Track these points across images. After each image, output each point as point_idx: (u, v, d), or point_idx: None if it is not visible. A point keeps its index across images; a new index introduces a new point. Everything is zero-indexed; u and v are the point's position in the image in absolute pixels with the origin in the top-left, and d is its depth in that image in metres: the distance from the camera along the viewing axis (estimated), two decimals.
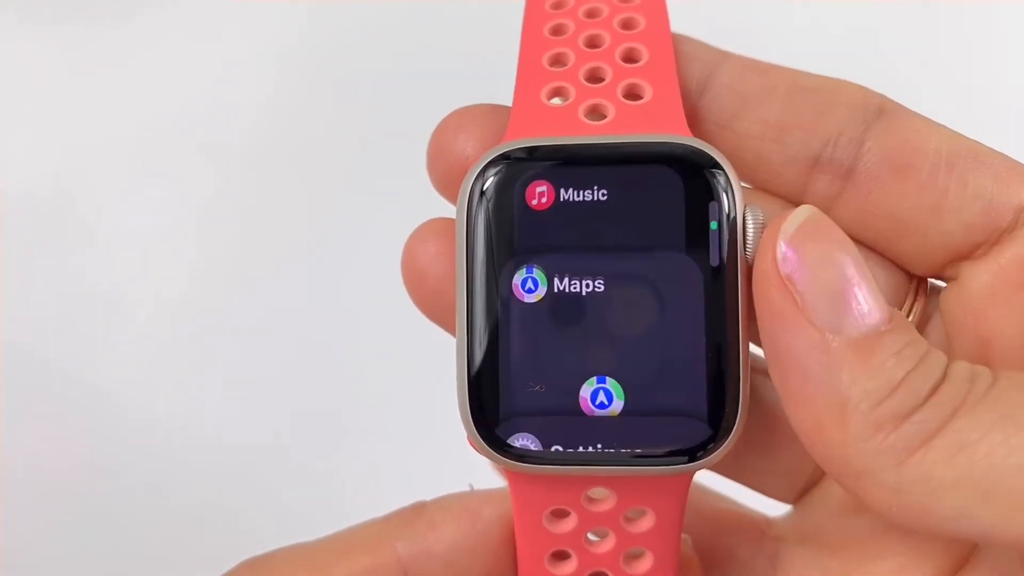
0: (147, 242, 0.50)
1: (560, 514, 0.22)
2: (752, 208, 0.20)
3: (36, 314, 0.49)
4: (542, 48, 0.22)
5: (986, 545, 0.18)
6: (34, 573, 0.46)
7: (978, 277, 0.21)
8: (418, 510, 0.22)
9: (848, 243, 0.18)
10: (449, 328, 0.22)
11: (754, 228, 0.20)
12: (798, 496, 0.24)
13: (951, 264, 0.21)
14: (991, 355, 0.21)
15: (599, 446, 0.20)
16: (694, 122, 0.22)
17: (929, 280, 0.22)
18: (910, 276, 0.22)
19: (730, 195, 0.20)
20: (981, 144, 0.21)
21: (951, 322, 0.21)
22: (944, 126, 0.21)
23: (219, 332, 0.49)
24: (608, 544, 0.22)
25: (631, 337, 0.20)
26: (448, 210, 0.22)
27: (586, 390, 0.20)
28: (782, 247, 0.18)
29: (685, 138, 0.20)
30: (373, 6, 0.51)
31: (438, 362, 0.26)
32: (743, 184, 0.21)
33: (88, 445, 0.48)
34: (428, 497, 0.23)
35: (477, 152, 0.21)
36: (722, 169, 0.20)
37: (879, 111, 0.21)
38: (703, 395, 0.20)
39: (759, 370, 0.22)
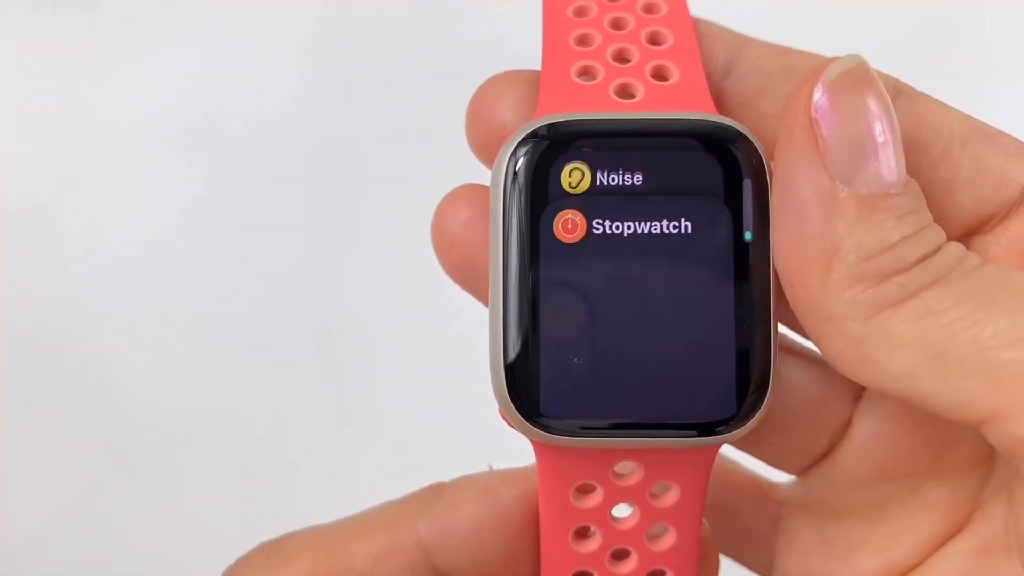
0: (147, 243, 0.50)
1: (587, 489, 0.22)
2: None
3: (36, 315, 0.49)
4: (568, 28, 0.22)
5: (922, 408, 0.19)
6: (32, 572, 0.46)
7: (987, 250, 0.21)
8: (437, 491, 0.22)
9: (886, 101, 0.19)
10: (481, 297, 0.22)
11: None
12: (804, 470, 0.25)
13: (962, 239, 0.22)
14: None
15: (630, 418, 0.20)
16: (719, 102, 0.22)
17: None
18: None
19: (763, 173, 0.20)
20: (991, 125, 0.22)
21: None
22: (956, 109, 0.22)
23: (222, 332, 0.49)
24: (633, 520, 0.22)
25: (665, 310, 0.20)
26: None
27: (620, 364, 0.20)
28: (820, 90, 0.19)
29: (718, 117, 0.21)
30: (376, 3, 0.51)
31: (448, 351, 0.26)
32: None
33: (87, 446, 0.48)
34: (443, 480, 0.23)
35: (515, 119, 0.21)
36: (756, 147, 0.21)
37: (896, 91, 0.22)
38: (733, 369, 0.20)
39: (782, 347, 0.23)
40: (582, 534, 0.22)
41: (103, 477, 0.47)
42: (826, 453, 0.24)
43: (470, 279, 0.22)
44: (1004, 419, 0.17)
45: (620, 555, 0.22)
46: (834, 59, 0.19)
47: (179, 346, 0.49)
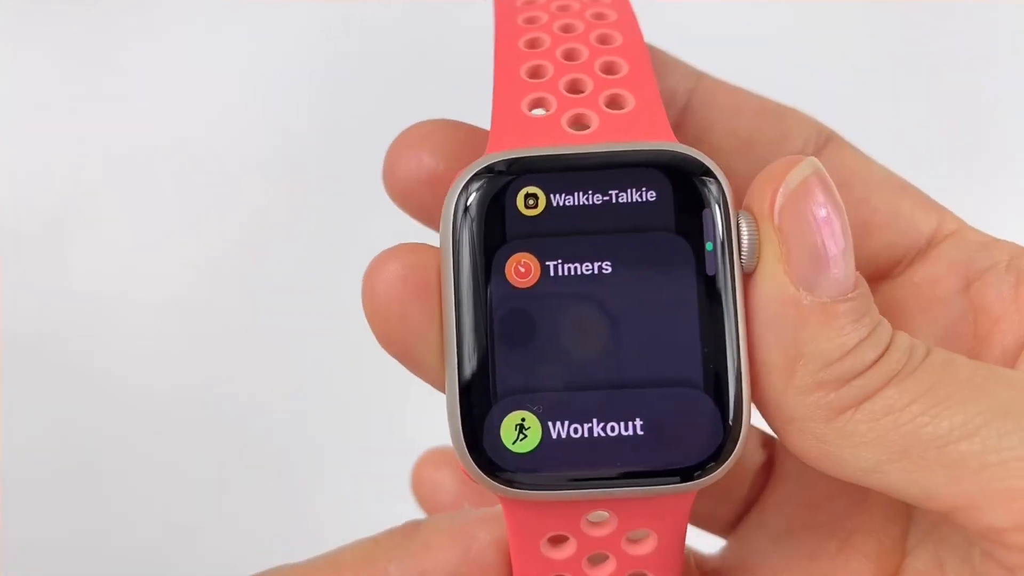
0: (148, 247, 0.50)
1: (558, 540, 0.21)
2: (745, 214, 0.20)
3: (35, 318, 0.49)
4: (519, 60, 0.22)
5: (891, 495, 0.20)
6: (31, 571, 0.46)
7: (895, 293, 0.23)
8: (411, 531, 0.22)
9: (841, 207, 0.19)
10: (415, 369, 0.21)
11: (748, 236, 0.19)
12: (731, 526, 0.25)
13: (872, 281, 0.22)
14: None
15: (600, 468, 0.19)
16: (679, 132, 0.22)
17: None
18: None
19: (723, 202, 0.20)
20: (903, 179, 0.23)
21: None
22: (878, 163, 0.24)
23: (221, 339, 0.49)
24: (608, 568, 0.21)
25: (630, 354, 0.19)
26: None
27: (586, 412, 0.19)
28: (780, 199, 0.19)
29: (676, 145, 0.20)
30: (370, 9, 0.51)
31: None
32: None
33: (86, 447, 0.48)
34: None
35: (436, 164, 0.21)
36: (715, 176, 0.20)
37: (829, 138, 0.23)
38: (705, 413, 0.19)
39: None
40: None
41: (98, 476, 0.48)
42: (751, 500, 0.25)
43: (402, 355, 0.21)
44: (972, 510, 0.18)
45: None
46: (785, 161, 0.20)
47: (178, 346, 0.49)
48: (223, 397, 0.48)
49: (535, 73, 0.21)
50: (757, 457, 0.25)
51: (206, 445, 0.48)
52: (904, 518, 0.23)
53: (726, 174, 0.20)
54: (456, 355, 0.19)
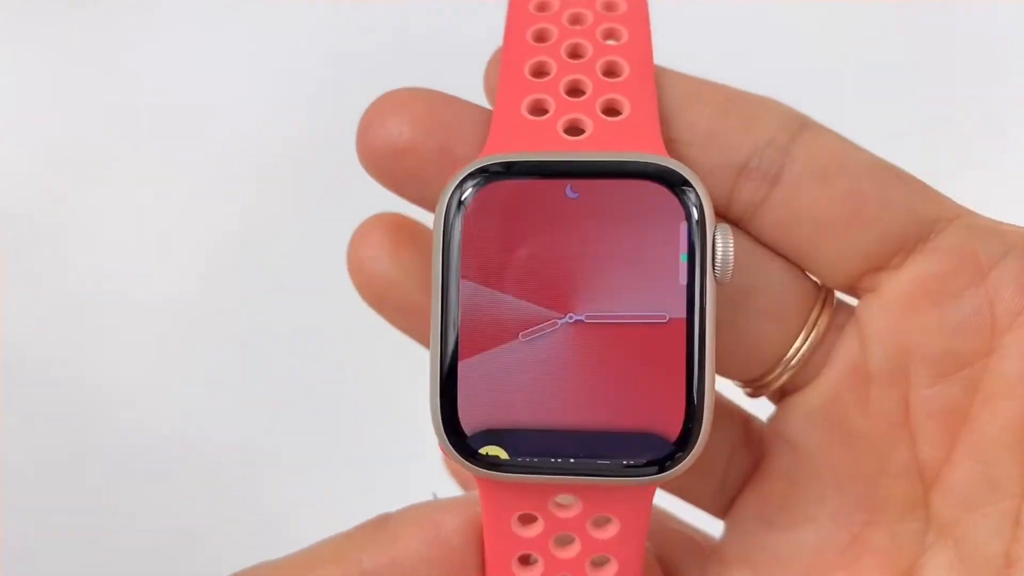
0: (144, 243, 0.50)
1: (528, 519, 0.22)
2: (722, 227, 0.20)
3: (32, 316, 0.49)
4: (525, 56, 0.22)
5: None
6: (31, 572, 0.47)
7: (899, 288, 0.22)
8: (382, 523, 0.23)
9: None
10: (402, 327, 0.23)
11: (723, 248, 0.20)
12: (716, 502, 0.25)
13: (869, 274, 0.22)
14: (912, 362, 0.22)
15: (567, 456, 0.21)
16: None
17: (840, 295, 0.23)
18: (819, 289, 0.23)
19: (701, 214, 0.20)
20: (897, 166, 0.22)
21: (871, 332, 0.22)
22: (863, 148, 0.22)
23: (218, 334, 0.49)
24: (574, 550, 0.22)
25: (603, 348, 0.20)
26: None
27: (554, 402, 0.20)
28: None
29: (659, 157, 0.20)
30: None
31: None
32: None
33: (85, 447, 0.48)
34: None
35: (409, 134, 0.21)
36: (694, 188, 0.20)
37: (804, 125, 0.22)
38: (670, 410, 0.20)
39: None
40: (526, 561, 0.23)
41: (98, 475, 0.48)
42: (738, 479, 0.25)
43: (387, 310, 0.22)
44: None
45: None
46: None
47: (178, 344, 0.49)
48: (220, 399, 0.48)
49: (538, 71, 0.22)
50: (733, 434, 0.25)
51: (204, 443, 0.48)
52: (922, 511, 0.22)
53: (688, 167, 0.21)
54: (440, 345, 0.21)
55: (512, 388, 0.20)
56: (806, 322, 0.23)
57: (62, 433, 0.48)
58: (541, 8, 0.23)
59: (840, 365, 0.23)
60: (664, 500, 0.25)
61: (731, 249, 0.20)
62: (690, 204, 0.20)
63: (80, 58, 0.52)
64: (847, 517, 0.23)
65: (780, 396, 0.24)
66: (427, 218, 0.22)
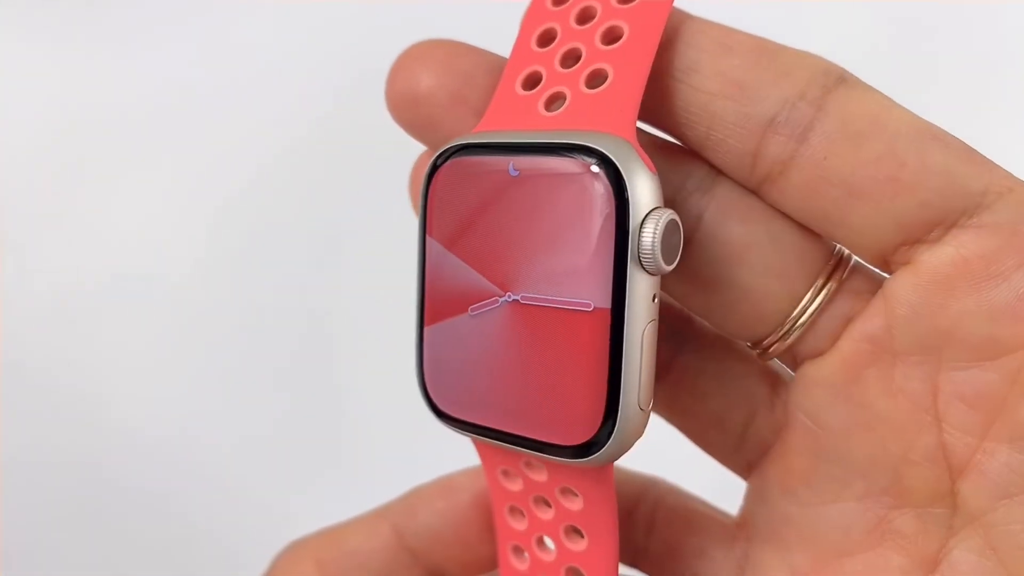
0: (146, 231, 0.50)
1: (509, 474, 0.23)
2: (657, 214, 0.19)
3: (32, 308, 0.49)
4: (539, 21, 0.22)
5: None
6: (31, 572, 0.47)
7: (938, 264, 0.20)
8: (406, 495, 0.27)
9: None
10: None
11: (650, 237, 0.19)
12: (743, 466, 0.24)
13: (904, 246, 0.20)
14: (947, 344, 0.21)
15: (512, 428, 0.21)
16: (652, 77, 0.21)
17: (861, 265, 0.22)
18: (830, 252, 0.22)
19: (623, 201, 0.19)
20: (940, 127, 0.20)
21: (901, 309, 0.21)
22: (904, 107, 0.20)
23: (219, 323, 0.49)
24: (550, 513, 0.23)
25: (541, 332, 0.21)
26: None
27: (500, 375, 0.21)
28: None
29: (599, 136, 0.20)
30: None
31: None
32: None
33: (85, 442, 0.48)
34: None
35: (431, 82, 0.22)
36: (620, 172, 0.19)
37: (840, 79, 0.20)
38: (593, 399, 0.20)
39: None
40: (516, 512, 0.24)
41: (97, 473, 0.48)
42: (762, 441, 0.24)
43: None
44: None
45: (543, 543, 0.24)
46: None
47: (178, 341, 0.49)
48: (223, 389, 0.49)
49: (546, 37, 0.22)
50: (759, 391, 0.24)
51: (205, 437, 0.48)
52: (949, 498, 0.21)
53: (711, 120, 0.20)
54: (418, 314, 0.22)
55: (458, 369, 0.22)
56: (813, 284, 0.22)
57: (62, 433, 0.49)
58: None
59: (860, 338, 0.21)
60: (686, 467, 0.25)
61: (657, 238, 0.19)
62: (615, 189, 0.19)
63: (80, 49, 0.52)
64: (873, 500, 0.22)
65: (793, 362, 0.23)
66: None
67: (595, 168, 0.19)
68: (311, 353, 0.49)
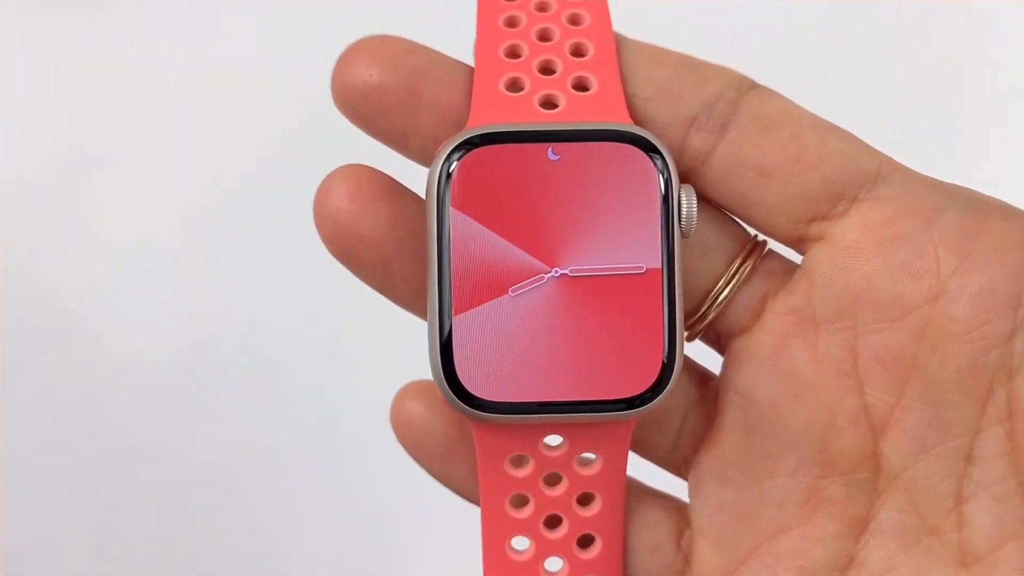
0: (146, 231, 0.50)
1: (519, 460, 0.24)
2: (686, 188, 0.23)
3: (32, 307, 0.49)
4: (498, 39, 0.24)
5: None
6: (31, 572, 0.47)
7: (845, 234, 0.23)
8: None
9: None
10: (365, 278, 0.24)
11: (687, 204, 0.23)
12: (672, 457, 0.26)
13: (816, 221, 0.23)
14: (860, 307, 0.23)
15: (565, 396, 0.23)
16: None
17: (775, 252, 0.25)
18: (747, 236, 0.25)
19: (667, 175, 0.23)
20: (836, 124, 0.24)
21: (818, 279, 0.24)
22: (805, 108, 0.24)
23: (219, 323, 0.49)
24: (561, 488, 0.24)
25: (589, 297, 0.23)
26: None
27: (546, 347, 0.23)
28: None
29: (630, 126, 0.23)
30: None
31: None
32: None
33: (85, 442, 0.48)
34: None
35: (379, 78, 0.23)
36: (661, 153, 0.23)
37: (752, 85, 0.24)
38: (649, 352, 0.23)
39: None
40: (518, 500, 0.25)
41: (97, 472, 0.48)
42: (694, 436, 0.26)
43: (351, 258, 0.24)
44: None
45: (552, 522, 0.25)
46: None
47: (177, 338, 0.49)
48: (227, 393, 0.49)
49: (512, 53, 0.24)
50: (690, 391, 0.26)
51: (202, 438, 0.48)
52: (873, 460, 0.23)
53: (643, 122, 0.23)
54: (438, 304, 0.23)
55: (501, 352, 0.23)
56: (732, 262, 0.25)
57: (62, 433, 0.48)
58: None
59: (784, 310, 0.24)
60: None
61: (695, 205, 0.23)
62: (660, 165, 0.23)
63: (82, 51, 0.52)
64: (803, 471, 0.24)
65: (718, 342, 0.25)
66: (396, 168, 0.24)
67: (648, 151, 0.23)
68: (311, 353, 0.49)
